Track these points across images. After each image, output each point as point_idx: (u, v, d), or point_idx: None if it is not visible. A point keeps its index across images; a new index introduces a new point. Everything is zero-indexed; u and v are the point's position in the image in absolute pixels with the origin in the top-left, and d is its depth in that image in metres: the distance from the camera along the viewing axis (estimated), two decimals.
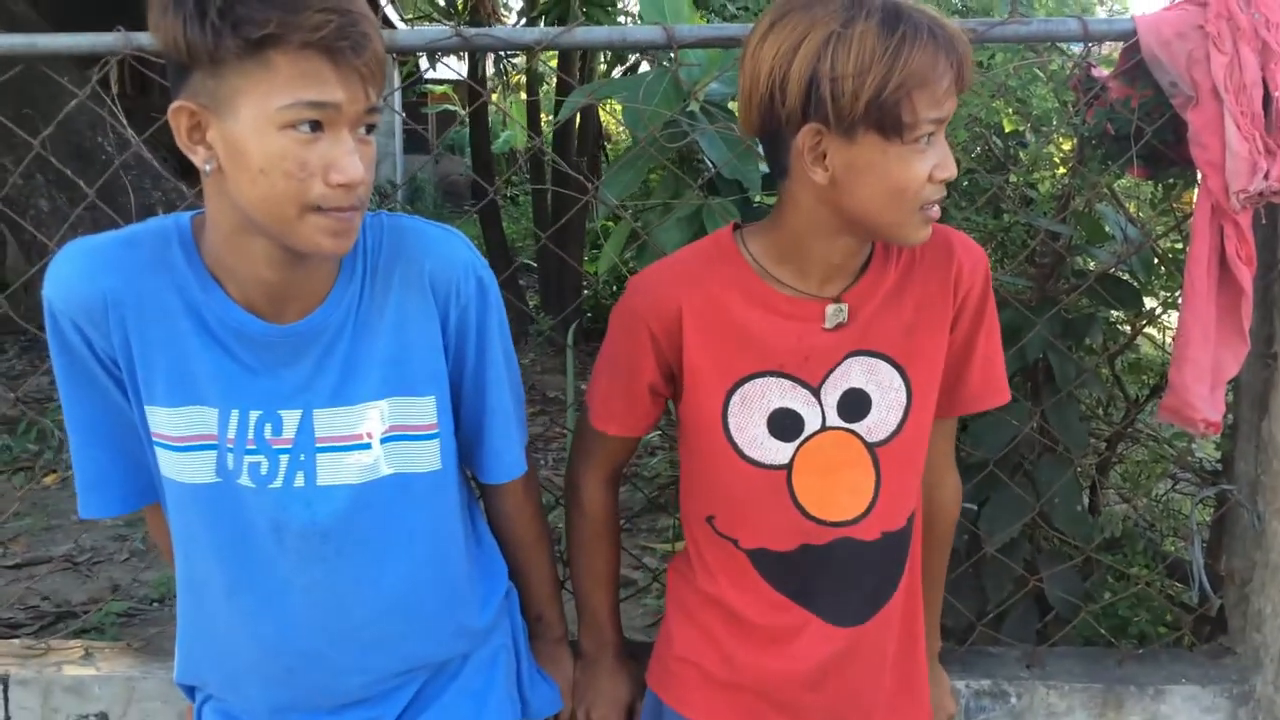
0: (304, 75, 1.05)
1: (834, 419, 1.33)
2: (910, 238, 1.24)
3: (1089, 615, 1.95)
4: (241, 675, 1.33)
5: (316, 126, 1.07)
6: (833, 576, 1.36)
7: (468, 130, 12.59)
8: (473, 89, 7.33)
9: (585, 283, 7.37)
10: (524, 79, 7.26)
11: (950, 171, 1.20)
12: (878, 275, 1.33)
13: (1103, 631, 1.93)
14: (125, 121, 1.62)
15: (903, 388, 1.34)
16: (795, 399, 1.33)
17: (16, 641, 1.86)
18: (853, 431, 1.34)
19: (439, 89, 14.38)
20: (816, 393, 1.32)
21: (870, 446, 1.34)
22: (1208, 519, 2.08)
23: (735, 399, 1.33)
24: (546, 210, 7.24)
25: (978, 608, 1.98)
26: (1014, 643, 1.92)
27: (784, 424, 1.33)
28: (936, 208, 1.22)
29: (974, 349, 1.39)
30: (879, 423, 1.34)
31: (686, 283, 1.34)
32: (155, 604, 3.64)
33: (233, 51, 1.04)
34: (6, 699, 1.76)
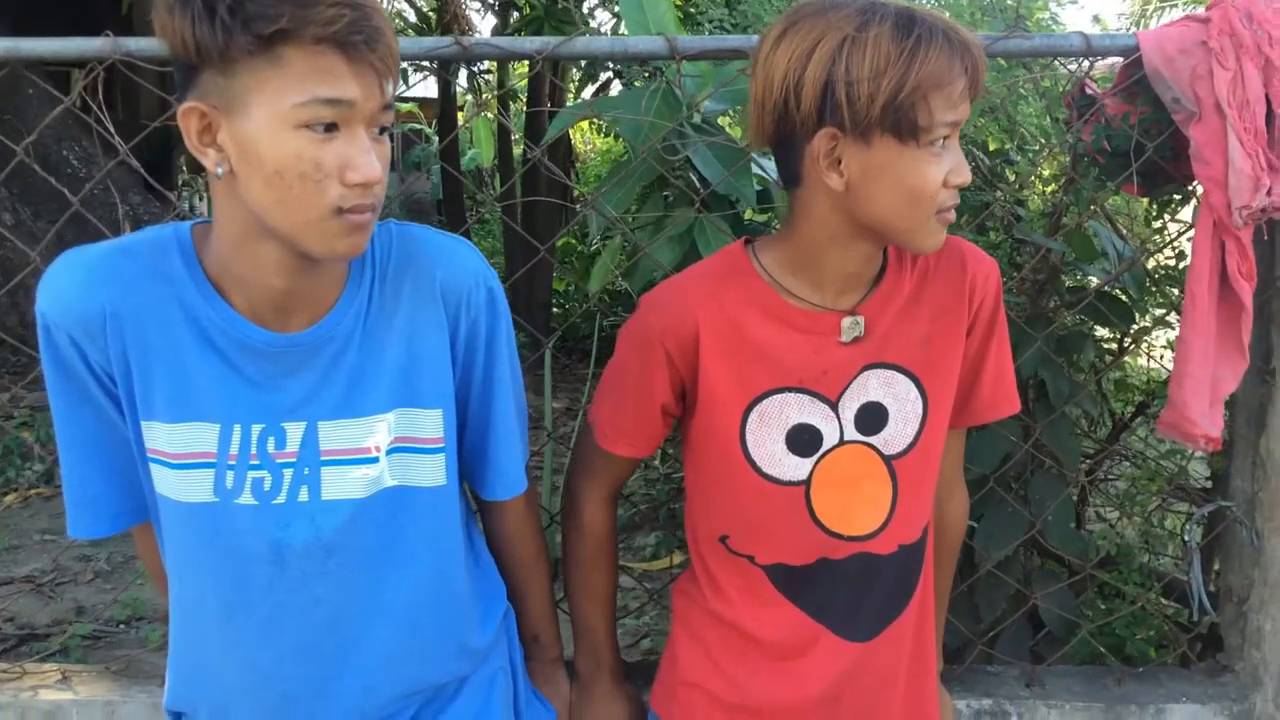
0: (317, 71, 1.02)
1: (852, 433, 1.31)
2: (925, 244, 1.23)
3: (1087, 634, 1.94)
4: (234, 702, 1.28)
5: (331, 126, 1.04)
6: (848, 590, 1.35)
7: (433, 148, 12.57)
8: (443, 106, 7.30)
9: (555, 300, 7.36)
10: (494, 98, 7.26)
11: (965, 177, 1.19)
12: (892, 286, 1.32)
13: (1103, 650, 1.92)
14: (112, 130, 1.58)
15: (919, 399, 1.32)
16: (814, 414, 1.31)
17: None
18: (870, 445, 1.32)
19: (405, 107, 14.35)
20: (835, 407, 1.31)
21: (887, 459, 1.32)
22: (1199, 537, 2.08)
23: (753, 416, 1.31)
24: (516, 229, 7.23)
25: (970, 626, 1.97)
26: (1011, 661, 1.91)
27: (802, 439, 1.31)
28: (951, 213, 1.21)
29: (986, 359, 1.39)
30: (896, 435, 1.32)
31: (702, 300, 1.31)
32: (122, 626, 3.55)
33: (244, 48, 1.01)
34: None
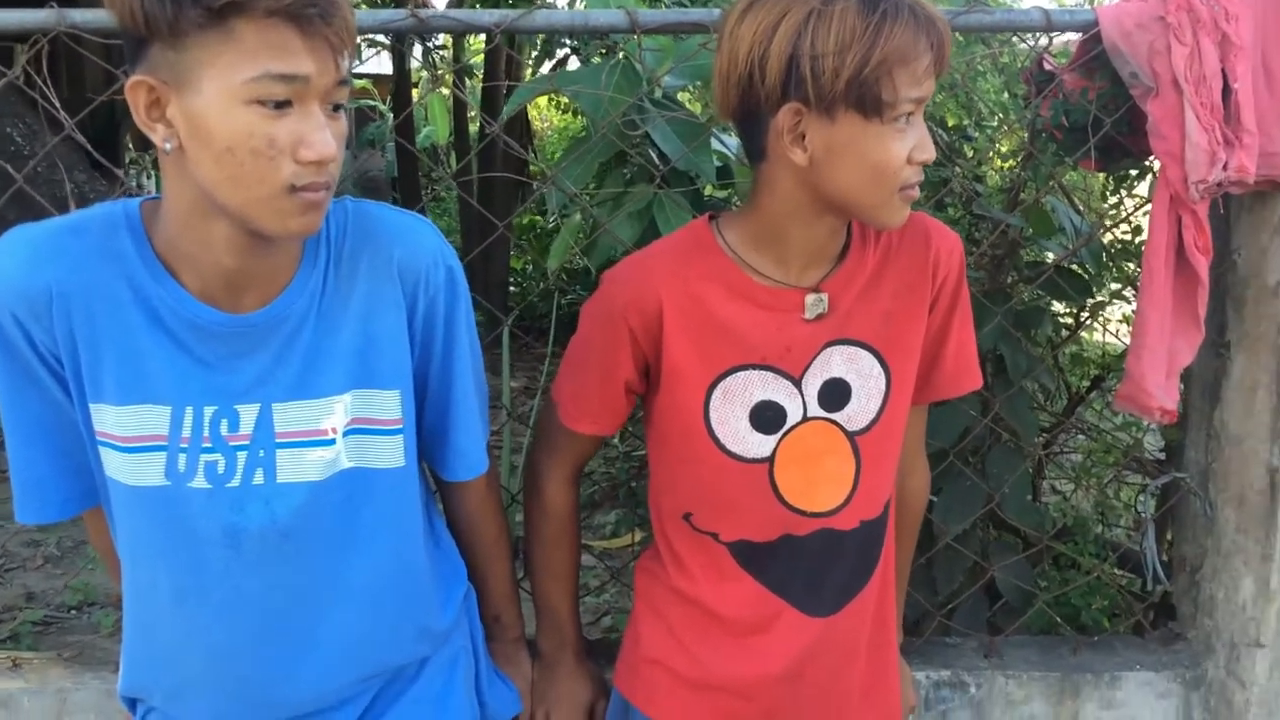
0: (270, 46, 1.00)
1: (815, 409, 1.31)
2: (889, 220, 1.23)
3: (1043, 605, 1.96)
4: (189, 687, 1.27)
5: (284, 103, 1.02)
6: (811, 566, 1.35)
7: (388, 125, 12.41)
8: (398, 82, 7.21)
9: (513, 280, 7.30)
10: (449, 73, 7.16)
11: (929, 154, 1.19)
12: (856, 263, 1.32)
13: (1058, 620, 1.94)
14: (57, 105, 1.53)
15: (882, 375, 1.33)
16: (778, 391, 1.31)
17: None
18: (833, 421, 1.32)
19: (359, 83, 14.13)
20: (798, 384, 1.31)
21: (850, 435, 1.33)
22: (1152, 508, 2.11)
23: (717, 393, 1.31)
24: (472, 206, 7.16)
25: (929, 599, 1.99)
26: (968, 633, 1.93)
27: (766, 416, 1.31)
28: (916, 190, 1.22)
29: (949, 334, 1.39)
30: (859, 411, 1.33)
31: (666, 277, 1.31)
32: (73, 611, 3.50)
33: (194, 21, 0.98)
34: None
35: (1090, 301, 2.16)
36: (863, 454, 1.33)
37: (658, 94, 1.67)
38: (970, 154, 2.22)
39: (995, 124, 2.15)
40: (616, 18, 1.55)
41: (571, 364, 1.40)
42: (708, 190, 1.85)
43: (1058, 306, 2.32)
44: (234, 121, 1.01)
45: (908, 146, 1.17)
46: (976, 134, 2.22)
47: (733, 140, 1.81)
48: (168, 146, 1.05)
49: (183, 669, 1.26)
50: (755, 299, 1.29)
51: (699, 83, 1.78)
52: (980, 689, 1.79)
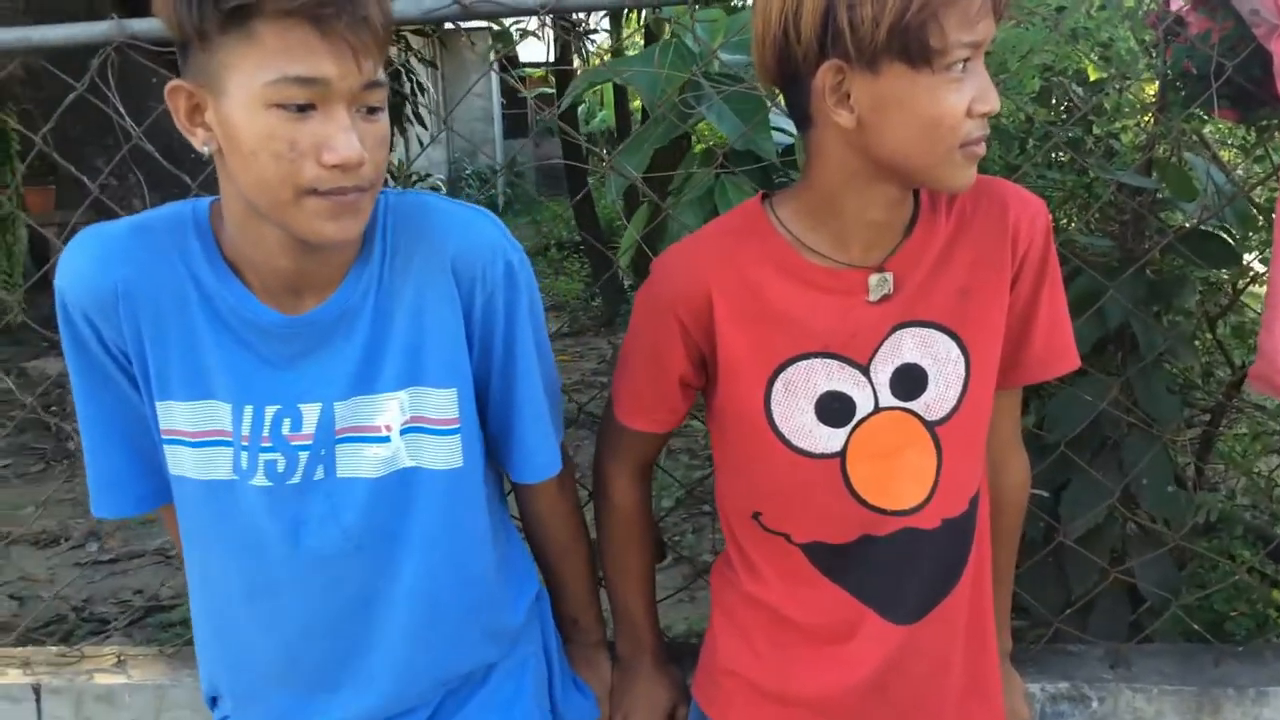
0: (289, 48, 0.99)
1: (888, 399, 1.20)
2: (952, 181, 1.10)
3: (1180, 608, 1.76)
4: (261, 684, 1.27)
5: (307, 107, 1.01)
6: (893, 569, 1.24)
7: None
8: (560, 69, 7.29)
9: None
10: (608, 56, 7.17)
11: (992, 104, 1.05)
12: (924, 237, 1.20)
13: (1195, 626, 1.73)
14: (124, 114, 1.57)
15: (961, 359, 1.20)
16: (844, 380, 1.20)
17: (51, 649, 1.84)
18: (910, 410, 1.21)
19: (536, 72, 14.38)
20: (866, 371, 1.20)
21: (930, 425, 1.21)
22: None
23: (778, 385, 1.21)
24: (636, 189, 7.16)
25: (1062, 600, 1.82)
26: (1097, 640, 1.75)
27: (834, 408, 1.21)
28: (981, 146, 1.08)
29: (1037, 310, 1.25)
30: (938, 399, 1.20)
31: (715, 262, 1.22)
32: None
33: (215, 24, 0.99)
34: (40, 708, 1.74)
35: (1246, 267, 1.92)
36: (944, 445, 1.21)
37: (714, 68, 1.57)
38: (1108, 109, 2.01)
39: (1128, 75, 1.94)
40: None
41: (625, 359, 1.33)
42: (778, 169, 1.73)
43: (1219, 274, 2.08)
44: (257, 125, 1.00)
45: (966, 97, 1.04)
46: (1117, 87, 2.01)
47: None
48: (206, 150, 1.06)
49: (255, 666, 1.26)
50: (814, 281, 1.19)
51: None
52: (1103, 703, 1.62)
